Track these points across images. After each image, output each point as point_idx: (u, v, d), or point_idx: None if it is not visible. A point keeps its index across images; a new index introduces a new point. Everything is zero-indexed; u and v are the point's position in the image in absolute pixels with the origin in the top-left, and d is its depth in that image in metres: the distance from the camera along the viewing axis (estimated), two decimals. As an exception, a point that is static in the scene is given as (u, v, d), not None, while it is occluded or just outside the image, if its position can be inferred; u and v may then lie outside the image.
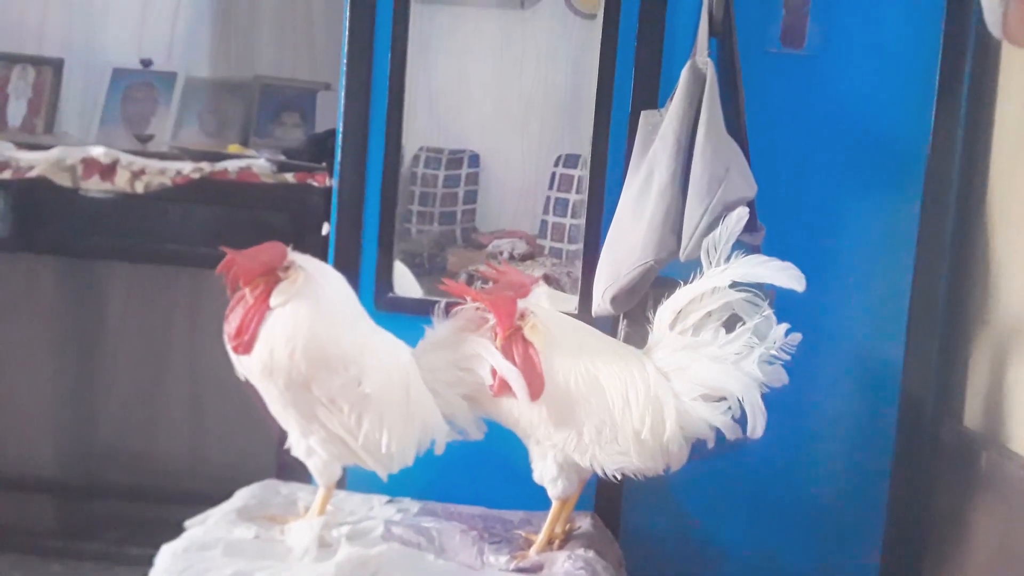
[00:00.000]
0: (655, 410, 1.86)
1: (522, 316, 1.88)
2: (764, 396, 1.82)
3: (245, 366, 1.86)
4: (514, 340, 1.86)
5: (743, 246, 1.89)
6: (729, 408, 1.83)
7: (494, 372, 1.86)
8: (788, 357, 1.81)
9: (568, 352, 1.90)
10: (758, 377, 1.81)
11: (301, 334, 1.81)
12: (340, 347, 1.85)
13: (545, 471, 1.94)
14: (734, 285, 1.84)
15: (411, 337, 1.96)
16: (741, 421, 1.83)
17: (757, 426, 1.81)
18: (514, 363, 1.84)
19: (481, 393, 1.92)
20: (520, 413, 1.89)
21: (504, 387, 1.85)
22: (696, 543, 2.40)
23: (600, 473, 1.92)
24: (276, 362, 1.82)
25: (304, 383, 1.83)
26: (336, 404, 1.85)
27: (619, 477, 1.92)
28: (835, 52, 2.30)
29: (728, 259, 1.84)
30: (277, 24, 3.19)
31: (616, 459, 1.89)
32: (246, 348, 1.83)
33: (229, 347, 1.85)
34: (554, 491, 1.95)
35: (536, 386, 1.85)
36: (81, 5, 3.16)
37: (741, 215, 1.87)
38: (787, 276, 1.81)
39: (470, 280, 2.44)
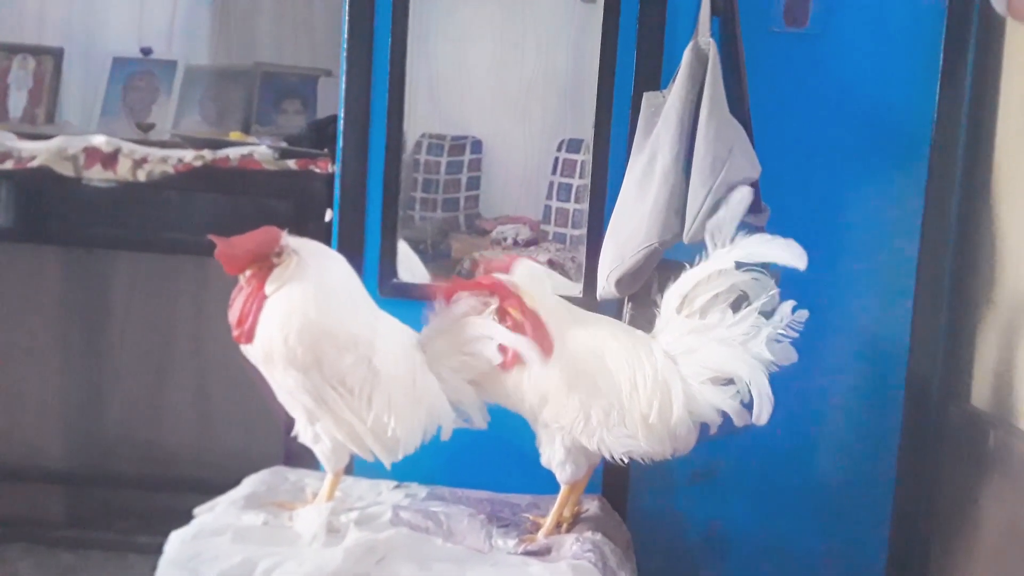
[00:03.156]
0: (663, 394, 1.86)
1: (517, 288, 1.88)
2: (772, 378, 1.82)
3: (249, 354, 1.87)
4: (519, 307, 1.86)
5: (748, 227, 1.89)
6: (737, 392, 1.83)
7: (503, 348, 1.85)
8: (796, 334, 1.81)
9: (574, 336, 1.90)
10: (767, 357, 1.80)
11: (295, 320, 1.81)
12: (342, 327, 1.85)
13: (553, 455, 1.94)
14: (739, 266, 1.83)
15: (416, 322, 1.96)
16: (749, 404, 1.83)
17: (763, 412, 1.80)
18: (522, 328, 1.84)
19: (487, 378, 1.92)
20: (528, 391, 1.89)
21: (515, 358, 1.84)
22: (704, 526, 2.40)
23: (608, 457, 1.92)
24: (275, 349, 1.82)
25: (312, 364, 1.83)
26: (346, 385, 1.85)
27: (626, 461, 1.92)
28: (838, 31, 2.29)
29: (732, 240, 1.84)
30: (277, 11, 3.18)
31: (624, 442, 1.89)
32: (247, 337, 1.84)
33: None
34: (562, 475, 1.95)
35: (547, 346, 1.85)
36: (80, -6, 3.16)
37: (744, 195, 1.86)
38: (789, 253, 1.80)
39: (473, 266, 2.43)
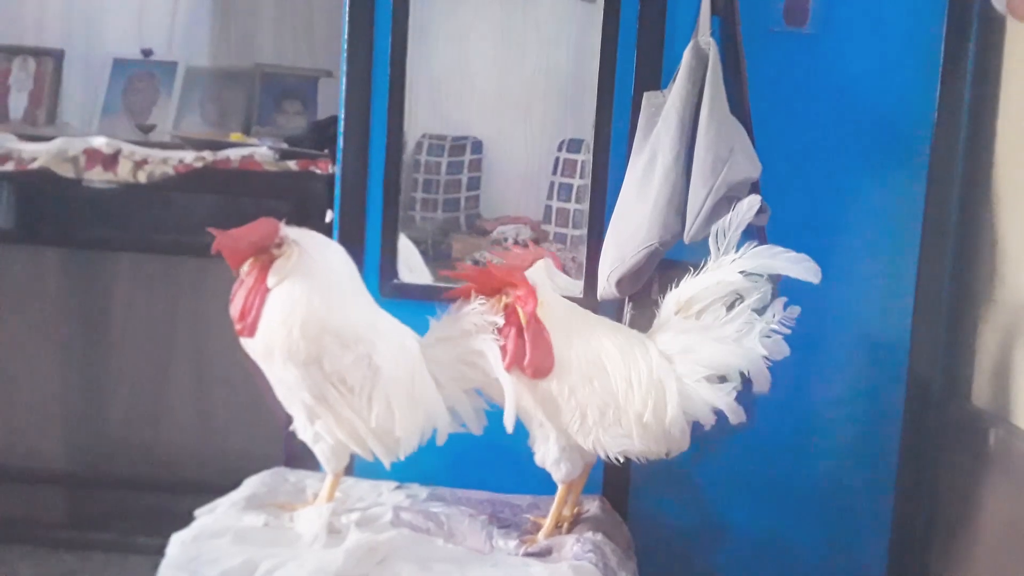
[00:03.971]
0: (658, 393, 1.86)
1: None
2: (772, 377, 1.82)
3: (251, 349, 1.86)
4: (530, 321, 1.85)
5: (749, 227, 1.89)
6: (733, 388, 1.83)
7: (514, 341, 1.84)
8: (789, 330, 1.81)
9: (573, 334, 1.90)
10: (760, 352, 1.82)
11: (298, 313, 1.80)
12: (344, 322, 1.84)
13: (548, 453, 1.93)
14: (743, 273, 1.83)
15: (417, 323, 1.96)
16: (743, 399, 1.83)
17: (764, 385, 1.82)
18: (526, 342, 1.84)
19: (485, 387, 1.92)
20: (526, 399, 1.88)
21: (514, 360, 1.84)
22: (704, 524, 2.40)
23: (603, 456, 1.92)
24: (277, 342, 1.81)
25: (312, 360, 1.82)
26: (347, 383, 1.85)
27: (622, 460, 1.92)
28: (838, 30, 2.29)
29: (738, 246, 1.84)
30: (277, 12, 3.18)
31: (619, 442, 1.89)
32: (250, 331, 1.83)
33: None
34: (558, 474, 1.95)
35: (547, 362, 1.84)
36: (81, -4, 3.17)
37: (752, 203, 1.86)
38: (802, 269, 1.81)
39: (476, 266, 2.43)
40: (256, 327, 1.82)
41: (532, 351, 1.85)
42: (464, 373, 1.90)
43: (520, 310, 1.85)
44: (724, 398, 1.84)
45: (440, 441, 1.92)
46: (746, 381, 1.85)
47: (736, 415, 1.84)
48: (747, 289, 1.85)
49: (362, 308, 1.90)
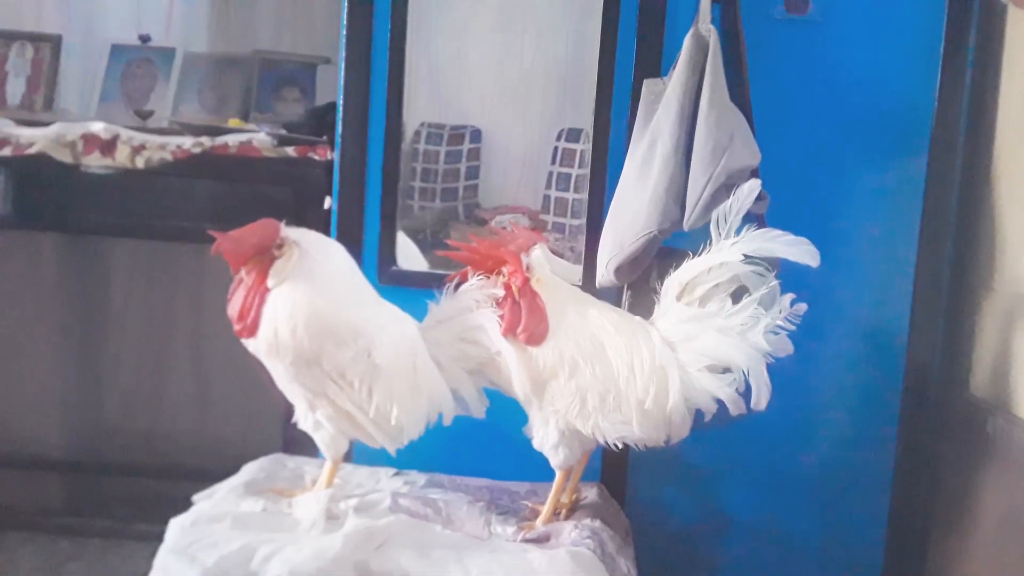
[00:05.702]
0: (659, 380, 1.86)
1: (528, 268, 1.88)
2: (770, 366, 1.82)
3: (252, 347, 1.86)
4: (522, 289, 1.87)
5: (748, 215, 1.89)
6: (734, 380, 1.83)
7: (509, 309, 1.86)
8: (794, 327, 1.81)
9: (574, 320, 1.90)
10: (764, 348, 1.81)
11: (301, 311, 1.80)
12: (345, 319, 1.84)
13: (546, 437, 1.93)
14: (744, 258, 1.83)
15: (415, 310, 1.96)
16: (745, 393, 1.83)
17: (761, 399, 1.81)
18: (521, 310, 1.86)
19: (486, 365, 1.92)
20: (525, 374, 1.89)
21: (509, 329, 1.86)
22: (702, 511, 2.41)
23: (602, 442, 1.92)
24: (281, 341, 1.81)
25: (314, 358, 1.82)
26: (346, 378, 1.85)
27: (620, 446, 1.92)
28: (839, 18, 2.29)
29: (738, 231, 1.83)
30: (276, -2, 3.18)
31: (618, 428, 1.89)
32: (250, 332, 1.83)
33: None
34: (556, 460, 1.95)
35: (540, 331, 1.85)
36: (78, -19, 3.16)
37: (753, 187, 1.85)
38: (801, 251, 1.80)
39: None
40: (256, 327, 1.82)
41: (527, 317, 1.86)
42: (465, 351, 1.91)
43: (512, 283, 1.86)
44: (726, 388, 1.83)
45: (447, 421, 1.93)
46: (744, 392, 1.83)
47: (737, 406, 1.83)
48: (751, 279, 1.84)
49: (363, 305, 1.90)
